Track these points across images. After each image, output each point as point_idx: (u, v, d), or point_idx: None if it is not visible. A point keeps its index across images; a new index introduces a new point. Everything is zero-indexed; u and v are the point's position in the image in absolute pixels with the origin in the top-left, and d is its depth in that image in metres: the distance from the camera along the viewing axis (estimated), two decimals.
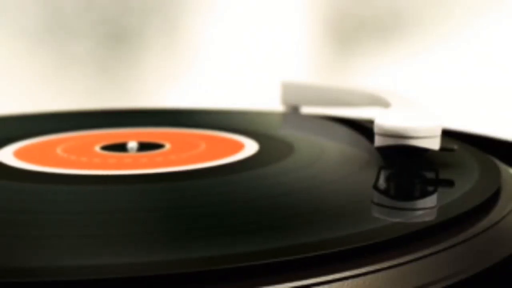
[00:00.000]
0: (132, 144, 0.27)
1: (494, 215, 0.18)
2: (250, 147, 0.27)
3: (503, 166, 0.25)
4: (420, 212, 0.17)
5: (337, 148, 0.28)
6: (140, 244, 0.14)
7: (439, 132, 0.23)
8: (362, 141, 0.29)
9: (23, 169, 0.23)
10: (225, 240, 0.14)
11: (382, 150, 0.23)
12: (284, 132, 0.33)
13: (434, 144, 0.23)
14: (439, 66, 0.56)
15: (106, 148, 0.27)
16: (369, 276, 0.13)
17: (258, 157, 0.25)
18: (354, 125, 0.34)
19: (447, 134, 0.34)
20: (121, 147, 0.27)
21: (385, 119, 0.23)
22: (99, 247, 0.14)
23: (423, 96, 0.55)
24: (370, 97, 0.34)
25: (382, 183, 0.21)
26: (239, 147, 0.27)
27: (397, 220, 0.16)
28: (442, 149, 0.24)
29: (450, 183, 0.20)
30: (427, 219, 0.16)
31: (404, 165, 0.23)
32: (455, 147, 0.24)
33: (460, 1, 0.55)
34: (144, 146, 0.27)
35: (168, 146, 0.28)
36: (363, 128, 0.33)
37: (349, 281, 0.13)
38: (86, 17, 0.52)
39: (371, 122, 0.34)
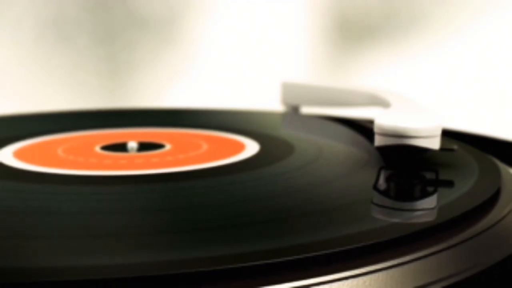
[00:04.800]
0: (132, 145, 0.27)
1: (494, 215, 0.18)
2: (251, 147, 0.27)
3: (503, 166, 0.25)
4: (420, 213, 0.17)
5: (337, 148, 0.28)
6: (140, 245, 0.14)
7: (439, 132, 0.23)
8: (362, 141, 0.29)
9: (23, 170, 0.23)
10: (225, 240, 0.14)
11: (382, 150, 0.23)
12: (284, 132, 0.33)
13: (434, 144, 0.23)
14: (439, 66, 0.56)
15: (106, 148, 0.27)
16: (369, 276, 0.13)
17: (259, 158, 0.25)
18: (354, 125, 0.34)
19: (447, 134, 0.34)
20: (121, 147, 0.27)
21: (385, 119, 0.23)
22: (99, 248, 0.14)
23: (424, 96, 0.55)
24: (370, 97, 0.34)
25: (382, 183, 0.21)
26: (240, 147, 0.27)
27: (397, 220, 0.16)
28: (442, 149, 0.24)
29: (450, 184, 0.20)
30: (427, 219, 0.16)
31: (404, 165, 0.23)
32: (455, 147, 0.24)
33: (460, 2, 0.55)
34: (144, 146, 0.27)
35: (168, 146, 0.28)
36: (363, 128, 0.33)
37: (349, 281, 0.13)
38: (87, 17, 0.52)
39: (371, 122, 0.34)
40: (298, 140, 0.29)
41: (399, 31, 0.56)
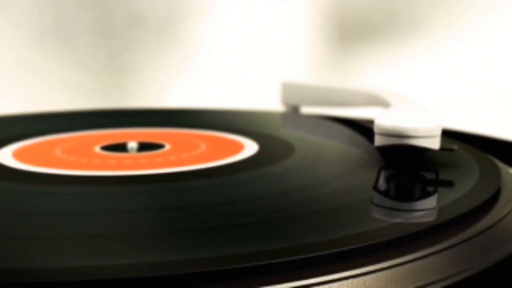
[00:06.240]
0: (132, 145, 0.27)
1: (494, 215, 0.18)
2: (250, 147, 0.27)
3: (503, 166, 0.25)
4: (420, 213, 0.17)
5: (337, 148, 0.28)
6: (139, 245, 0.14)
7: (439, 132, 0.23)
8: (362, 141, 0.29)
9: (22, 170, 0.23)
10: (224, 241, 0.14)
11: (382, 149, 0.23)
12: (284, 132, 0.33)
13: (434, 144, 0.23)
14: (439, 66, 0.56)
15: (106, 148, 0.27)
16: (369, 276, 0.13)
17: (258, 158, 0.25)
18: (354, 125, 0.34)
19: (447, 134, 0.34)
20: (121, 148, 0.27)
21: (385, 119, 0.23)
22: (99, 248, 0.14)
23: (424, 96, 0.55)
24: (370, 97, 0.34)
25: (382, 183, 0.21)
26: (239, 147, 0.27)
27: (397, 220, 0.16)
28: (442, 149, 0.24)
29: (450, 184, 0.20)
30: (427, 219, 0.16)
31: (404, 165, 0.23)
32: (455, 147, 0.24)
33: (460, 2, 0.55)
34: (144, 147, 0.27)
35: (168, 146, 0.28)
36: (363, 128, 0.33)
37: (349, 281, 0.13)
38: (87, 17, 0.52)
39: (371, 122, 0.34)
40: (298, 140, 0.29)
41: (399, 31, 0.56)
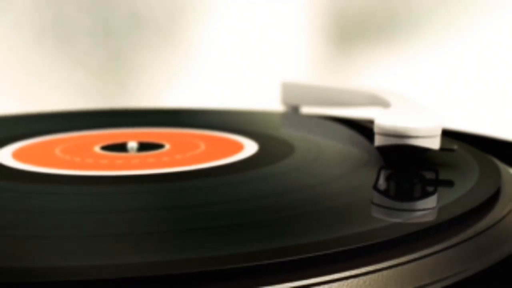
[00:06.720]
0: (132, 145, 0.27)
1: (494, 215, 0.18)
2: (249, 147, 0.27)
3: (503, 166, 0.25)
4: (420, 213, 0.17)
5: (337, 148, 0.28)
6: (138, 245, 0.14)
7: (439, 132, 0.23)
8: (362, 141, 0.29)
9: (22, 170, 0.23)
10: (224, 241, 0.14)
11: (382, 149, 0.23)
12: (284, 132, 0.33)
13: (434, 144, 0.23)
14: (439, 66, 0.56)
15: (106, 148, 0.27)
16: (369, 276, 0.13)
17: (258, 158, 0.25)
18: (354, 125, 0.34)
19: (447, 134, 0.34)
20: (121, 147, 0.27)
21: (385, 119, 0.23)
22: (99, 248, 0.14)
23: (424, 96, 0.55)
24: (370, 97, 0.34)
25: (382, 183, 0.21)
26: (239, 147, 0.27)
27: (397, 220, 0.16)
28: (442, 149, 0.24)
29: (450, 184, 0.20)
30: (427, 219, 0.16)
31: (404, 165, 0.23)
32: (455, 147, 0.24)
33: (460, 3, 0.55)
34: (144, 146, 0.27)
35: (167, 146, 0.28)
36: (363, 128, 0.33)
37: (349, 281, 0.13)
38: (87, 17, 0.52)
39: (371, 122, 0.34)
40: (298, 140, 0.29)
41: (399, 31, 0.56)
